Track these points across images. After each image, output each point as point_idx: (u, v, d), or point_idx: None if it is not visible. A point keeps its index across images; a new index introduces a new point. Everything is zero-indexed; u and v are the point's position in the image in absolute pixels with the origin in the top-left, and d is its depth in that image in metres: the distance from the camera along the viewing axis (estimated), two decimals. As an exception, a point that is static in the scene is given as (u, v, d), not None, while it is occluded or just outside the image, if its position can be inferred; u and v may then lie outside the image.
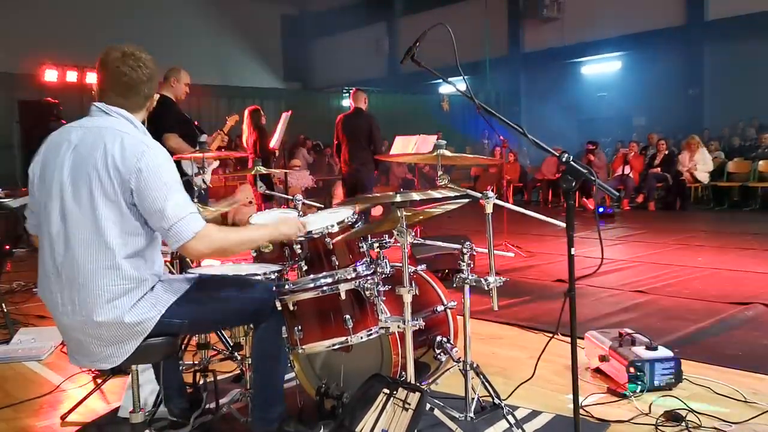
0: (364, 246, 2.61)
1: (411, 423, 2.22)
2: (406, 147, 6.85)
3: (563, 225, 2.16)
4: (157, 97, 2.39)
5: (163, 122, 4.75)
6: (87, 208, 2.09)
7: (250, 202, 9.53)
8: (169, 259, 3.49)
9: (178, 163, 2.70)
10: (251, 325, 2.70)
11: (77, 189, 2.11)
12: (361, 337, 2.41)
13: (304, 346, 2.40)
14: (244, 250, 2.43)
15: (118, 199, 2.09)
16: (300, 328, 2.39)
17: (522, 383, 2.98)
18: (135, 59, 2.21)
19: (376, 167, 7.60)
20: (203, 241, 2.11)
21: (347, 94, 14.97)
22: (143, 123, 2.35)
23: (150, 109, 2.36)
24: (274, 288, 2.44)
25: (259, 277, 2.65)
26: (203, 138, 5.09)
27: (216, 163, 4.21)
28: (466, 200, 2.68)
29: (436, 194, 2.48)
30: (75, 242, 2.10)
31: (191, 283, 2.30)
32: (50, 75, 11.56)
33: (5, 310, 4.38)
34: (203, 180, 4.04)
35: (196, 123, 5.59)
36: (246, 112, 7.90)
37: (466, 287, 2.62)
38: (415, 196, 2.40)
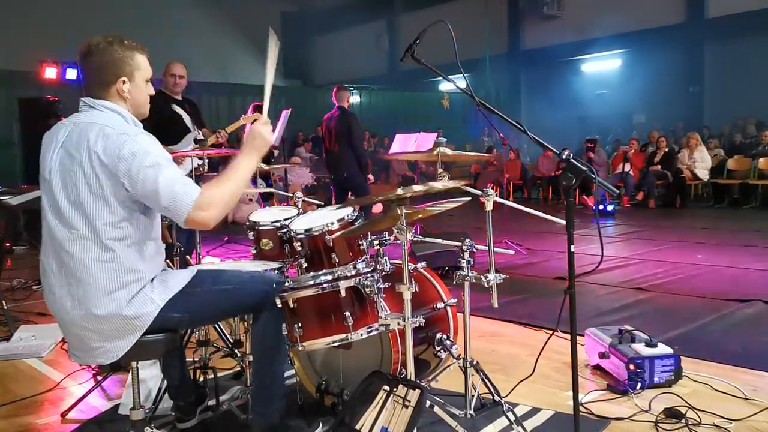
0: (364, 243, 2.61)
1: (411, 420, 2.22)
2: (406, 145, 6.83)
3: (563, 222, 2.16)
4: (151, 87, 2.30)
5: None
6: (76, 204, 2.10)
7: (250, 200, 9.52)
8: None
9: None
10: (251, 320, 2.70)
11: (65, 186, 2.12)
12: (361, 334, 2.41)
13: (304, 344, 2.40)
14: (242, 193, 2.33)
15: (104, 193, 2.08)
16: (300, 325, 2.39)
17: (522, 380, 2.98)
18: (94, 46, 2.18)
19: (366, 170, 7.35)
20: (205, 207, 2.08)
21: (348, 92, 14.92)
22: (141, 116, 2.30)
23: (126, 98, 2.22)
24: (274, 284, 2.43)
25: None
26: (198, 135, 5.03)
27: (197, 162, 4.06)
28: (468, 198, 2.68)
29: (437, 185, 2.47)
30: (69, 238, 2.11)
31: (190, 277, 2.29)
32: (50, 72, 11.53)
33: (5, 307, 4.38)
34: None
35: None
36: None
37: (466, 284, 2.62)
38: (416, 188, 2.39)
